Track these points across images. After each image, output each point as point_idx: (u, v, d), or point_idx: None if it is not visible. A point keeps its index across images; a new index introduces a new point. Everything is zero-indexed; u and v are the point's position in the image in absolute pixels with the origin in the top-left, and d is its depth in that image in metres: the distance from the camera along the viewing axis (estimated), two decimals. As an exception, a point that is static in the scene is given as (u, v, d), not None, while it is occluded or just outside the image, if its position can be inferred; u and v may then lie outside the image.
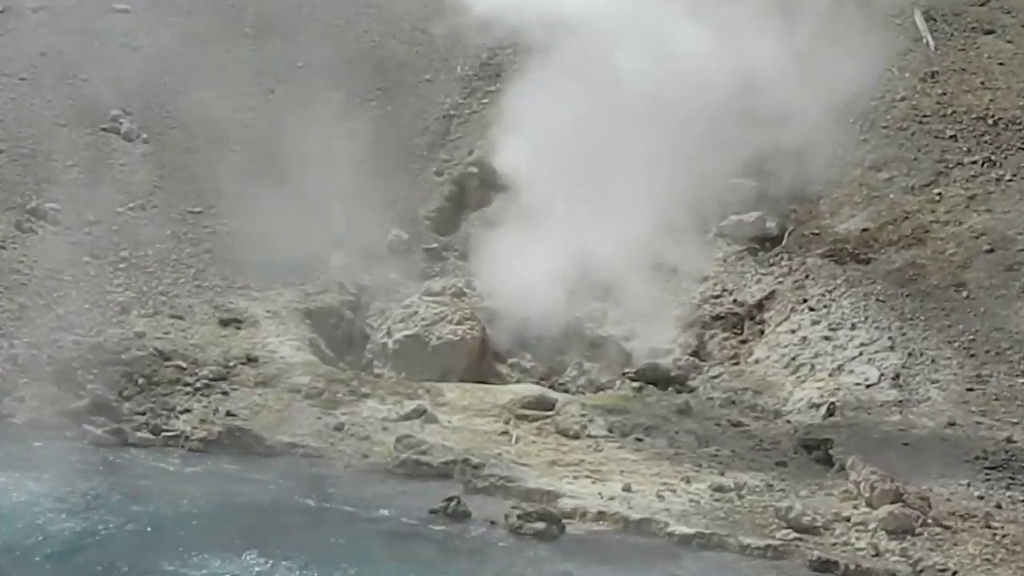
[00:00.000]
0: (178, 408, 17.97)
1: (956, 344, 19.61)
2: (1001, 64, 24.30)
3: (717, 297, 21.70)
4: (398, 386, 19.15)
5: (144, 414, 17.77)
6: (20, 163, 21.64)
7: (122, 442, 17.28)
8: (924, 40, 24.72)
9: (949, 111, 23.42)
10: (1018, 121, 23.07)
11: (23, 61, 23.48)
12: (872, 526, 15.55)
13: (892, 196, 22.31)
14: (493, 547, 15.23)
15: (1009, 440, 17.72)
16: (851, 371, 19.50)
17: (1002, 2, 25.54)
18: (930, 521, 15.59)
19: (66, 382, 17.99)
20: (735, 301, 21.51)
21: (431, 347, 20.21)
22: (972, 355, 19.39)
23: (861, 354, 19.71)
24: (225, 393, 18.36)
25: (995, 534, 15.55)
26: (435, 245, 22.81)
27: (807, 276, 21.28)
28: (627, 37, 21.75)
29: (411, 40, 25.95)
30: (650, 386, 19.84)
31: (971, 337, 19.63)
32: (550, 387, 19.92)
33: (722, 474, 16.94)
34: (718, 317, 21.34)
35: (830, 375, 19.54)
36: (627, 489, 16.29)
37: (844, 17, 22.92)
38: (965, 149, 22.75)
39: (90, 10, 24.76)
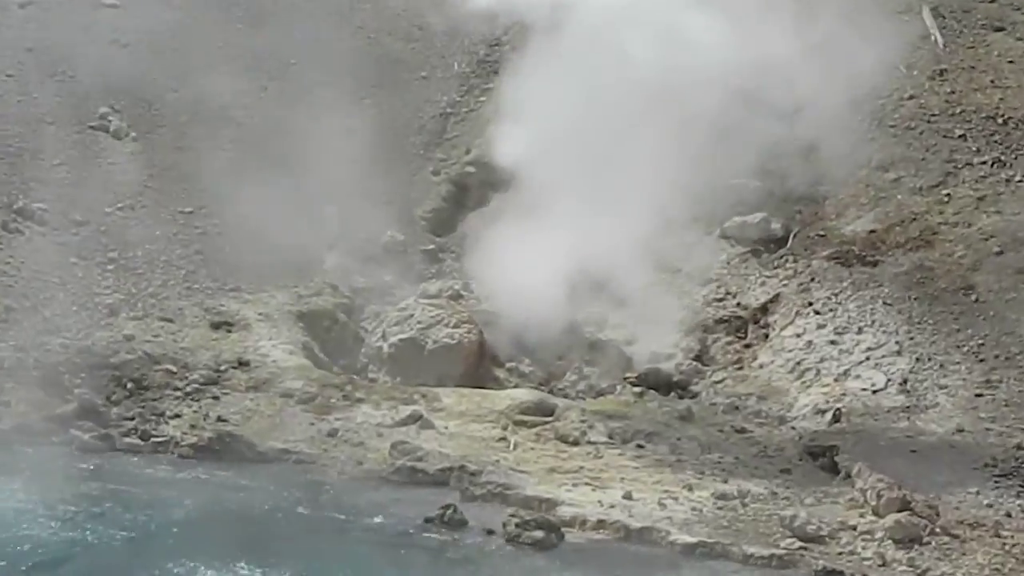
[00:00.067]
0: (168, 413, 17.98)
1: (965, 348, 19.62)
2: (1011, 62, 24.32)
3: (720, 300, 21.72)
4: (393, 391, 19.16)
5: (133, 419, 17.78)
6: (6, 162, 21.64)
7: (110, 448, 17.29)
8: (932, 37, 24.74)
9: (958, 110, 23.44)
10: (1029, 120, 23.13)
11: (10, 57, 23.49)
12: (879, 535, 15.55)
13: (900, 197, 22.33)
14: (490, 556, 15.22)
15: (1019, 447, 17.73)
16: (857, 376, 19.51)
17: (1012, -2, 25.62)
18: (938, 530, 15.60)
19: (53, 386, 18.00)
20: (739, 304, 21.53)
21: (427, 351, 20.21)
22: (981, 360, 19.40)
23: (868, 359, 19.73)
24: (216, 398, 18.38)
25: (1005, 543, 15.56)
26: (432, 246, 22.84)
27: (812, 279, 21.29)
28: (626, 34, 21.78)
29: (407, 36, 25.98)
30: (651, 391, 19.86)
31: (980, 341, 19.64)
32: (549, 392, 19.91)
33: (725, 482, 16.94)
34: (721, 320, 21.35)
35: (836, 380, 19.55)
36: (628, 497, 16.30)
37: (852, 14, 22.92)
38: (974, 149, 22.76)
39: (78, 5, 24.77)
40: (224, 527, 15.42)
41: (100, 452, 17.15)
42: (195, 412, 18.04)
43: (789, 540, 15.52)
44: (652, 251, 21.57)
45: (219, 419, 17.88)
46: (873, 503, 15.98)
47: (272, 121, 23.29)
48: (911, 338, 19.88)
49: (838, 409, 18.81)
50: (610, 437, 18.07)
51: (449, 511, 15.73)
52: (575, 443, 17.90)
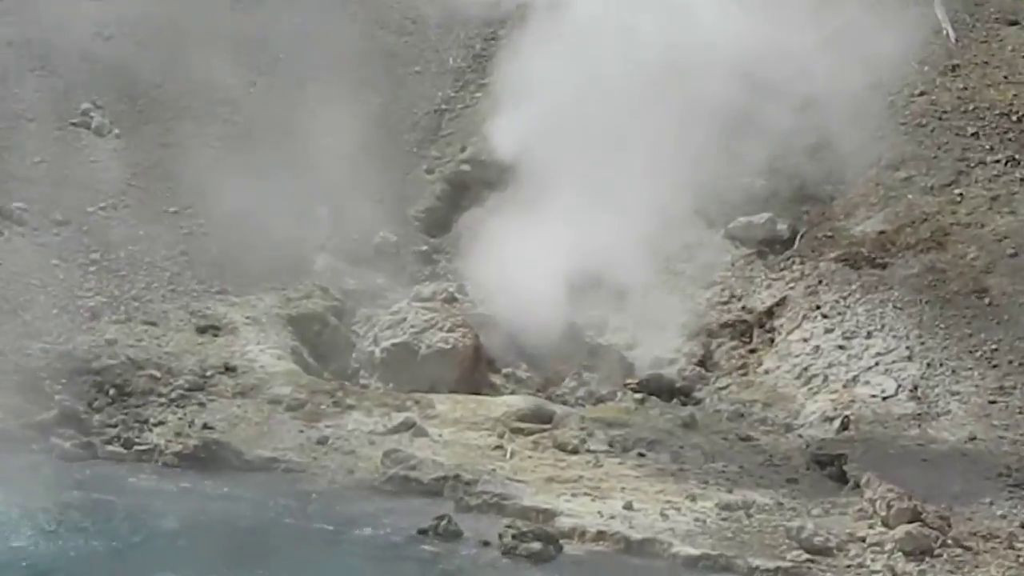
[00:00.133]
0: (151, 420, 17.97)
1: (978, 354, 19.62)
2: (1026, 57, 24.37)
3: (725, 303, 21.71)
4: (385, 397, 19.14)
5: (115, 426, 17.77)
6: (-15, 159, 21.67)
7: (92, 456, 17.29)
8: (944, 31, 24.73)
9: (971, 107, 23.43)
10: (1044, 117, 23.15)
11: (-12, 51, 23.52)
12: (889, 547, 15.55)
13: (910, 197, 22.32)
14: (486, 569, 15.22)
15: (1034, 456, 17.77)
16: (867, 382, 19.51)
17: (1027, -9, 25.61)
18: (950, 542, 15.60)
19: (33, 392, 17.98)
20: (744, 308, 21.52)
21: (420, 356, 20.18)
22: (995, 365, 19.40)
23: (877, 364, 19.73)
24: (202, 404, 18.36)
25: (1019, 556, 15.57)
26: (425, 247, 22.83)
27: (820, 281, 21.29)
28: (629, 22, 21.79)
29: (400, 29, 25.97)
30: (653, 398, 19.85)
31: (993, 346, 19.64)
32: (547, 399, 19.89)
33: (730, 491, 16.94)
34: (726, 325, 21.35)
35: (844, 386, 19.55)
36: (629, 507, 16.29)
37: (861, 5, 22.92)
38: (987, 147, 22.76)
39: (60, -4, 24.78)
40: (210, 538, 15.42)
41: (82, 460, 17.14)
42: (180, 419, 18.02)
43: (796, 552, 15.52)
44: (654, 252, 21.57)
45: (205, 426, 17.86)
46: (883, 514, 15.97)
47: (260, 117, 23.28)
48: (922, 343, 19.88)
49: (846, 416, 18.81)
50: (610, 445, 18.07)
51: (443, 522, 15.72)
52: (574, 451, 17.89)
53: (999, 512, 16.45)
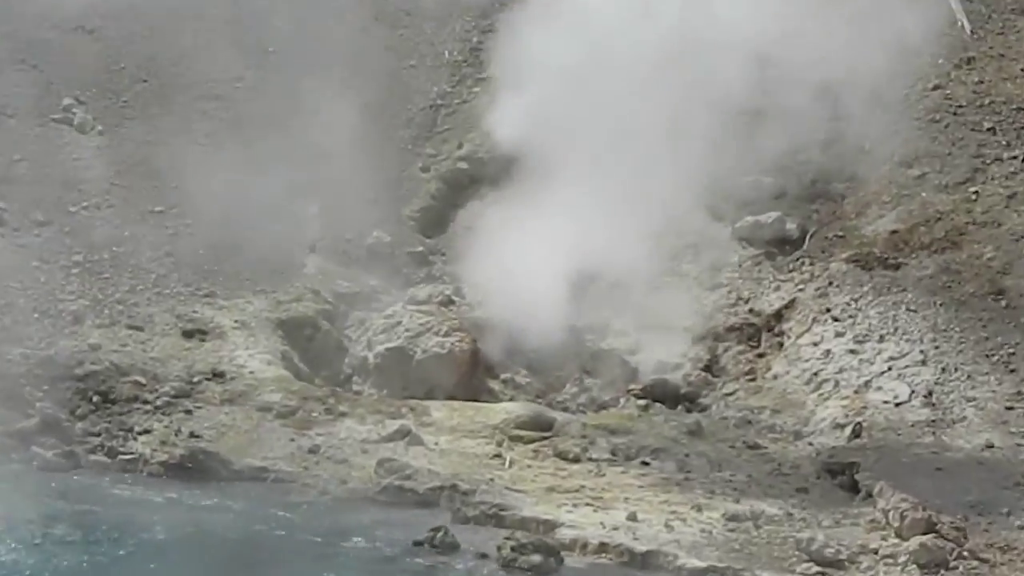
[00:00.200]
0: (136, 428, 17.96)
1: (995, 358, 19.62)
2: (1043, 49, 24.39)
3: (732, 306, 21.72)
4: (379, 404, 19.15)
5: (99, 435, 17.76)
6: (-37, 158, 21.69)
7: (75, 466, 17.28)
8: (959, 23, 24.73)
9: (986, 101, 23.45)
10: (1062, 112, 23.17)
11: (-34, 45, 23.53)
12: (902, 559, 15.53)
13: (924, 195, 22.33)
14: (484, 582, 15.24)
15: (1053, 464, 17.78)
16: (879, 388, 19.52)
17: (1044, -19, 25.63)
18: (966, 554, 15.58)
19: (13, 399, 17.97)
20: (751, 310, 21.53)
21: (416, 361, 20.21)
22: (1012, 370, 19.40)
23: (890, 369, 19.73)
24: (188, 412, 18.37)
25: (1037, 568, 15.57)
26: (420, 248, 22.84)
27: (830, 283, 21.29)
28: (633, 14, 21.83)
29: (395, 22, 25.99)
30: (658, 404, 19.87)
31: (1011, 350, 19.65)
32: (547, 405, 19.93)
33: (737, 501, 16.94)
34: (733, 328, 21.36)
35: (856, 392, 19.56)
36: (632, 518, 16.28)
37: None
38: (1004, 143, 22.78)
39: (41, -11, 24.79)
40: (198, 551, 15.40)
41: (64, 471, 17.13)
42: (166, 427, 18.02)
43: (806, 565, 15.50)
44: (658, 252, 21.59)
45: (192, 435, 17.86)
46: (896, 525, 15.96)
47: (250, 113, 23.30)
48: (936, 347, 19.88)
49: (858, 423, 18.81)
50: (613, 454, 18.08)
51: (440, 534, 15.70)
52: (575, 460, 17.90)
53: (1017, 523, 16.43)
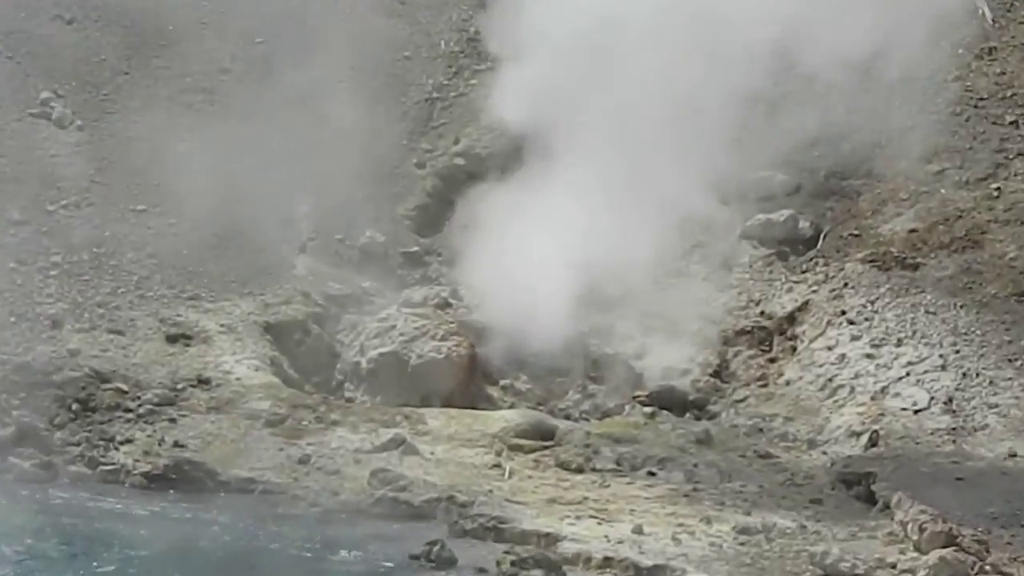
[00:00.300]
0: (118, 438, 17.98)
1: (1018, 362, 19.67)
2: (1069, 39, 24.42)
3: (742, 308, 21.76)
4: (372, 412, 19.18)
5: (79, 445, 17.78)
6: (-65, 154, 21.73)
7: (53, 477, 17.29)
8: (980, 11, 24.76)
9: (1009, 93, 23.48)
10: (1088, 105, 23.20)
11: (-61, 36, 23.57)
12: (921, 574, 15.52)
13: (944, 191, 22.36)
14: (483, 599, 15.27)
15: (1079, 474, 17.81)
16: (897, 394, 19.56)
17: (1070, -33, 25.65)
18: (988, 568, 15.58)
19: (-12, 408, 18.03)
20: (763, 313, 21.57)
21: (411, 367, 20.23)
22: (1036, 376, 19.49)
23: (908, 374, 19.77)
24: (172, 420, 18.39)
25: (1063, 583, 15.60)
26: (416, 248, 22.87)
27: (846, 284, 21.33)
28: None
29: (388, 10, 26.00)
30: (665, 412, 19.89)
31: (1035, 355, 19.74)
32: (549, 413, 19.95)
33: (748, 514, 16.96)
34: (743, 332, 21.40)
35: (872, 399, 19.60)
36: (638, 531, 16.29)
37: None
38: (1028, 137, 22.86)
39: (16, -24, 24.83)
40: (183, 566, 15.41)
41: (42, 482, 17.14)
42: (149, 436, 18.03)
43: (820, 579, 15.56)
44: (665, 253, 21.59)
45: (176, 444, 17.88)
46: (915, 538, 15.98)
47: (236, 107, 23.30)
48: (957, 351, 19.91)
49: (875, 431, 18.85)
50: (618, 464, 18.11)
51: (436, 548, 15.70)
52: (578, 470, 17.93)
53: (1042, 535, 16.51)
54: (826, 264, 21.84)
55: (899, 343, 20.21)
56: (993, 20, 24.68)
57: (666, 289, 21.77)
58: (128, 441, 17.94)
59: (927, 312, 20.56)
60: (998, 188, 22.18)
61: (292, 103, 23.09)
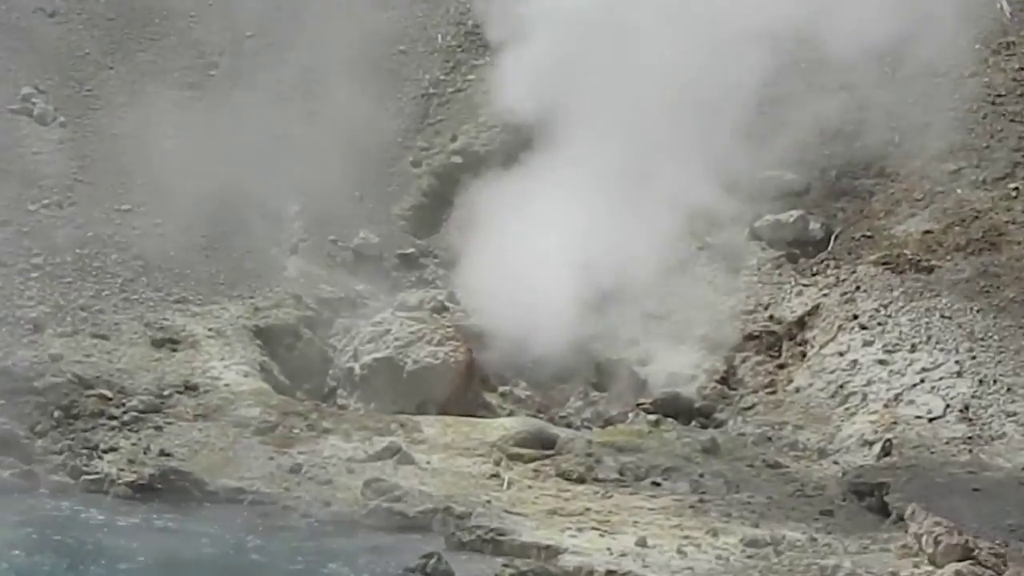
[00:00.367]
0: (102, 446, 17.99)
1: (1037, 369, 19.71)
2: (1089, 34, 24.44)
3: (750, 312, 21.77)
4: (366, 420, 19.18)
5: (61, 453, 17.77)
6: (-87, 152, 21.74)
7: (34, 487, 17.29)
8: (998, 5, 24.77)
9: (1027, 89, 23.54)
10: (1109, 102, 23.22)
11: (-83, 30, 23.58)
12: (936, 588, 15.60)
13: (959, 191, 22.38)
14: (480, 613, 15.29)
15: (1100, 485, 17.81)
16: (911, 402, 19.57)
17: (1090, -41, 25.66)
18: (1005, 582, 15.63)
19: (-33, 415, 18.04)
20: (771, 317, 21.58)
21: (406, 372, 20.22)
22: (1056, 382, 19.50)
23: (923, 381, 19.77)
24: (158, 428, 18.39)
25: (1083, 597, 15.60)
26: (411, 250, 22.88)
27: (858, 287, 21.34)
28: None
29: (383, 3, 25.97)
30: (670, 420, 19.90)
31: (1055, 361, 19.75)
32: (549, 421, 19.95)
33: (756, 526, 16.96)
34: (751, 337, 21.41)
35: (886, 406, 19.60)
36: (642, 544, 16.29)
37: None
38: (1047, 135, 22.88)
39: (-3, -31, 24.85)
40: (169, 580, 15.46)
41: (23, 492, 17.13)
42: (134, 445, 18.04)
43: (831, 594, 15.57)
44: (670, 255, 21.60)
45: (162, 453, 17.88)
46: (929, 550, 15.98)
47: (223, 103, 23.29)
48: (973, 357, 19.92)
49: (888, 440, 18.85)
50: (621, 473, 18.11)
51: (432, 561, 15.70)
52: (580, 480, 17.93)
53: (1061, 548, 16.50)
54: (837, 266, 21.85)
55: (913, 348, 20.21)
56: (1011, 14, 24.68)
57: (671, 293, 21.75)
58: (112, 449, 17.94)
59: (942, 316, 20.56)
60: (1016, 188, 22.19)
61: (283, 98, 23.13)
